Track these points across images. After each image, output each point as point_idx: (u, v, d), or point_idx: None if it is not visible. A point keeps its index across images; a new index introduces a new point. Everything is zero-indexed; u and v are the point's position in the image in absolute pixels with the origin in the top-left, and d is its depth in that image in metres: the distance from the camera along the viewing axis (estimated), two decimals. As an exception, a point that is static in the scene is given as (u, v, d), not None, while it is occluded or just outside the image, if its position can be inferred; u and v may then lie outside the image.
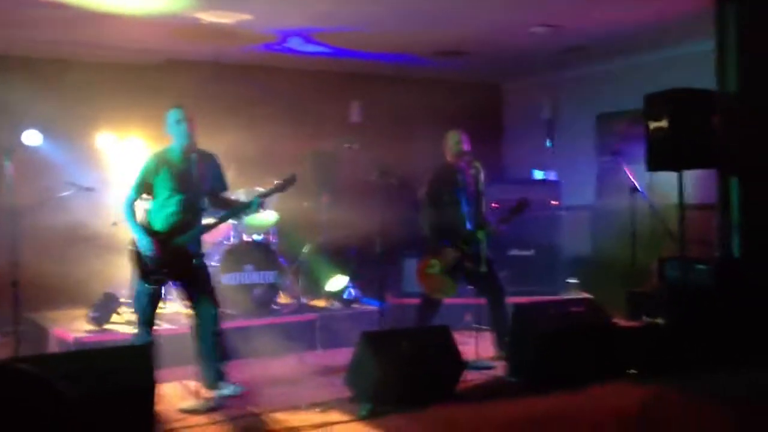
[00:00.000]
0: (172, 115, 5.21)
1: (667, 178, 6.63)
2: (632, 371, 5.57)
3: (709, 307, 5.92)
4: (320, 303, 7.52)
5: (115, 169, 7.43)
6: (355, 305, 7.38)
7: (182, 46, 7.94)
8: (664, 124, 6.30)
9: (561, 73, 9.79)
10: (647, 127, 6.47)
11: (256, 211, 5.40)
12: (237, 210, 5.43)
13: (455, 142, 6.31)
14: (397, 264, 7.84)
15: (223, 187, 5.44)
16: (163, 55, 8.40)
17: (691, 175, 6.56)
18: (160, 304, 5.37)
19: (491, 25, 7.42)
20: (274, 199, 7.52)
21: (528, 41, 8.02)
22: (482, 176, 6.30)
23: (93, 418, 3.15)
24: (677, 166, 6.35)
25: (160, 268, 5.07)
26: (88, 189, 6.54)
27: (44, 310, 7.14)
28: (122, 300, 6.66)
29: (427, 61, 8.98)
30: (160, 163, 5.18)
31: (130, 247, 5.14)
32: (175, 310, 6.84)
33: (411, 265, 7.33)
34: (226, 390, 5.16)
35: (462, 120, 6.85)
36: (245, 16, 6.86)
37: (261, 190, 7.09)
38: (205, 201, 5.31)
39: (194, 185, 5.16)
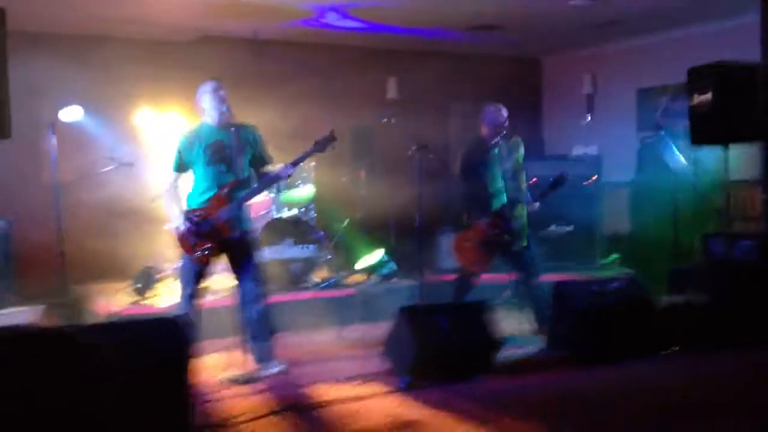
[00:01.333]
0: (203, 89, 5.19)
1: (712, 154, 6.51)
2: (675, 348, 5.50)
3: (753, 282, 5.81)
4: (358, 278, 7.54)
5: (153, 144, 7.50)
6: (392, 280, 7.38)
7: (220, 23, 7.96)
8: (707, 98, 6.18)
9: (601, 47, 9.64)
10: (690, 101, 6.35)
11: (286, 178, 5.28)
12: (267, 180, 5.28)
13: (493, 116, 6.24)
14: (435, 239, 7.81)
15: (266, 160, 5.33)
16: (200, 32, 8.43)
17: (735, 150, 6.43)
18: (207, 279, 5.36)
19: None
20: (312, 173, 7.57)
21: (567, 14, 7.90)
22: (521, 151, 6.23)
23: (131, 387, 3.18)
24: (721, 140, 6.23)
25: (201, 243, 5.10)
26: (128, 164, 6.61)
27: (87, 282, 7.26)
28: (162, 273, 6.73)
29: (463, 36, 8.89)
30: (192, 139, 5.18)
31: (169, 227, 5.17)
32: (222, 282, 6.91)
33: (448, 241, 7.31)
34: (272, 367, 5.21)
35: (500, 95, 6.79)
36: (284, -9, 6.86)
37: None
38: (251, 174, 5.28)
39: (230, 158, 5.11)
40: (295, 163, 5.22)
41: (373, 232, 8.05)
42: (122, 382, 3.04)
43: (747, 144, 6.60)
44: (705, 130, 6.26)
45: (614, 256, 8.11)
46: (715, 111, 6.15)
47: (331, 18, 7.94)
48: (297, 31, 8.43)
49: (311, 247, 7.00)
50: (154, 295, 6.55)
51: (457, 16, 8.02)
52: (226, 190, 5.13)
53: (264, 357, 5.23)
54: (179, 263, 5.31)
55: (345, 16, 7.87)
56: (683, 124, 6.56)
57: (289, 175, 5.28)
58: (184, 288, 5.22)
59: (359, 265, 7.62)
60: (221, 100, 5.13)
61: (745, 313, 5.63)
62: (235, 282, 5.27)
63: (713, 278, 5.87)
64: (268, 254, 6.73)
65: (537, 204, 6.16)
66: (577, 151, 8.64)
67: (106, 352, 3.20)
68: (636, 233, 8.57)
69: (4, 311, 6.19)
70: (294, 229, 6.99)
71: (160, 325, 4.37)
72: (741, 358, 5.34)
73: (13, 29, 4.30)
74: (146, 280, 6.54)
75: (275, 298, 6.42)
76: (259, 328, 5.23)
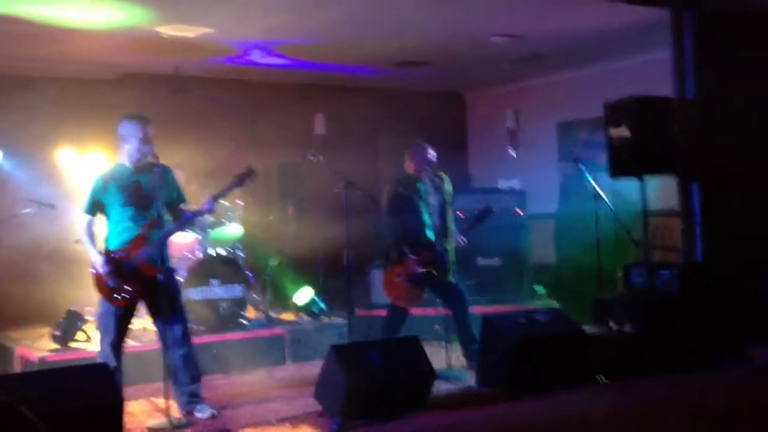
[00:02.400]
0: (122, 127, 5.09)
1: (630, 185, 6.71)
2: (602, 378, 5.60)
3: (675, 312, 5.99)
4: (288, 316, 7.47)
5: (75, 185, 7.31)
6: (323, 318, 7.34)
7: (141, 60, 7.87)
8: (624, 131, 6.39)
9: (523, 82, 9.89)
10: (608, 134, 6.55)
11: (207, 213, 5.23)
12: (189, 216, 5.22)
13: (418, 154, 6.34)
14: (365, 275, 7.82)
15: (181, 198, 5.27)
16: (121, 69, 8.31)
17: (653, 182, 6.65)
18: (128, 324, 5.23)
19: (451, 35, 7.47)
20: (240, 211, 7.49)
21: (488, 50, 8.09)
22: (448, 186, 6.33)
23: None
24: (638, 172, 6.44)
25: (120, 286, 4.98)
26: (50, 206, 6.44)
27: (7, 329, 7.01)
28: (87, 318, 6.54)
29: (388, 71, 9.01)
30: (107, 180, 5.09)
31: (90, 270, 5.06)
32: (142, 326, 6.76)
33: (378, 277, 7.32)
34: (200, 413, 5.09)
35: (427, 129, 6.89)
36: (206, 30, 6.83)
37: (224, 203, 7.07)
38: (165, 214, 5.19)
39: (148, 198, 5.02)
40: (216, 198, 5.14)
41: (303, 269, 8.01)
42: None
43: (663, 175, 6.83)
44: (622, 162, 6.47)
45: (540, 288, 8.24)
46: (631, 143, 6.36)
47: (256, 55, 7.94)
48: (221, 67, 8.39)
49: (239, 286, 6.91)
50: (80, 340, 6.35)
51: (382, 52, 8.12)
52: (145, 230, 5.02)
53: (191, 402, 5.11)
54: (99, 310, 5.16)
55: (269, 53, 7.88)
56: (602, 157, 6.75)
57: (211, 211, 5.21)
58: (104, 335, 5.06)
59: (289, 303, 7.56)
60: (145, 141, 5.05)
61: (667, 342, 5.78)
62: (158, 325, 5.15)
63: (635, 308, 6.03)
64: (194, 295, 6.63)
65: (464, 239, 6.26)
66: (502, 184, 8.80)
67: (32, 403, 3.07)
68: (561, 264, 8.76)
69: None
70: (221, 268, 6.89)
71: (88, 373, 4.27)
72: (665, 386, 5.46)
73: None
74: (70, 325, 6.34)
75: (203, 339, 6.34)
76: (184, 371, 5.11)
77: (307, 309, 7.39)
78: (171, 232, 5.17)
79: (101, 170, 5.34)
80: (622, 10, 6.66)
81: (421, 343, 5.33)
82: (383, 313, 6.57)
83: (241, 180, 5.19)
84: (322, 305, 7.43)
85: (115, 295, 4.98)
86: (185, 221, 5.29)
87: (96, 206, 5.11)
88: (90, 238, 5.10)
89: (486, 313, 6.07)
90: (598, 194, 7.06)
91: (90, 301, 6.58)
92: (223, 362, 6.30)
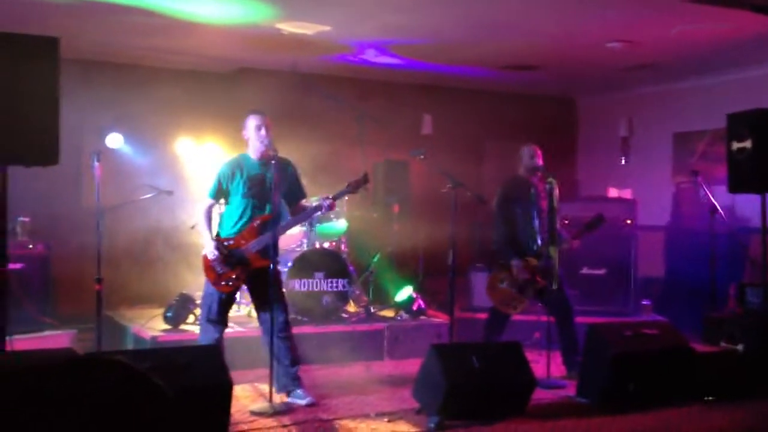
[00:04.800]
0: (250, 120, 5.30)
1: (749, 201, 6.45)
2: (709, 398, 5.41)
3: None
4: (388, 313, 7.53)
5: (192, 173, 7.60)
6: (422, 317, 7.37)
7: (258, 55, 8.09)
8: (747, 144, 6.14)
9: (638, 90, 9.64)
10: (729, 147, 6.31)
11: (326, 211, 5.36)
12: (308, 212, 5.39)
13: (529, 157, 6.27)
14: (467, 277, 7.80)
15: (301, 194, 5.46)
16: (239, 64, 8.57)
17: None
18: (231, 308, 5.42)
19: (565, 39, 7.36)
20: (345, 207, 7.61)
21: (603, 56, 7.93)
22: (557, 192, 6.23)
23: (177, 413, 3.20)
24: (760, 188, 6.17)
25: (228, 273, 5.15)
26: (168, 192, 6.71)
27: (123, 308, 7.36)
28: (197, 301, 6.78)
29: (499, 74, 8.95)
30: (234, 168, 5.28)
31: (203, 253, 5.26)
32: (245, 313, 6.97)
33: (481, 279, 7.30)
34: (299, 398, 5.22)
35: (536, 134, 6.81)
36: (324, 27, 6.96)
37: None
38: (285, 208, 5.36)
39: (268, 191, 5.18)
40: (335, 197, 5.30)
41: (404, 267, 8.06)
42: (166, 409, 3.06)
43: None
44: (743, 177, 6.21)
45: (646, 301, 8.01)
46: (754, 158, 6.11)
47: (369, 54, 8.04)
48: (336, 65, 8.54)
49: (342, 280, 7.02)
50: (190, 323, 6.59)
51: (494, 55, 8.08)
52: (258, 222, 5.20)
53: (288, 384, 5.24)
54: (204, 291, 5.36)
55: (383, 52, 7.97)
56: (720, 170, 6.51)
57: (330, 208, 5.32)
58: (206, 316, 5.26)
59: (389, 300, 7.62)
60: (265, 134, 5.22)
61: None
62: (260, 312, 5.30)
63: (750, 327, 5.79)
64: (298, 286, 6.77)
65: (576, 241, 6.14)
66: (612, 193, 8.61)
67: (150, 377, 3.21)
68: (670, 278, 8.49)
69: (41, 334, 6.29)
70: (325, 262, 7.01)
71: (201, 353, 4.43)
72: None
73: (63, 57, 4.42)
74: (181, 307, 6.59)
75: (304, 329, 6.47)
76: (286, 354, 5.25)
77: (407, 307, 7.42)
78: (288, 226, 5.35)
79: (227, 158, 5.52)
80: (744, 20, 6.40)
81: (523, 348, 5.28)
82: (484, 315, 6.54)
83: (356, 187, 5.35)
84: (423, 303, 7.45)
85: (222, 282, 5.17)
86: (304, 216, 5.48)
87: (220, 192, 5.31)
88: (208, 221, 5.30)
89: (592, 324, 5.93)
90: (715, 208, 6.84)
91: (201, 286, 6.84)
92: (323, 354, 6.40)
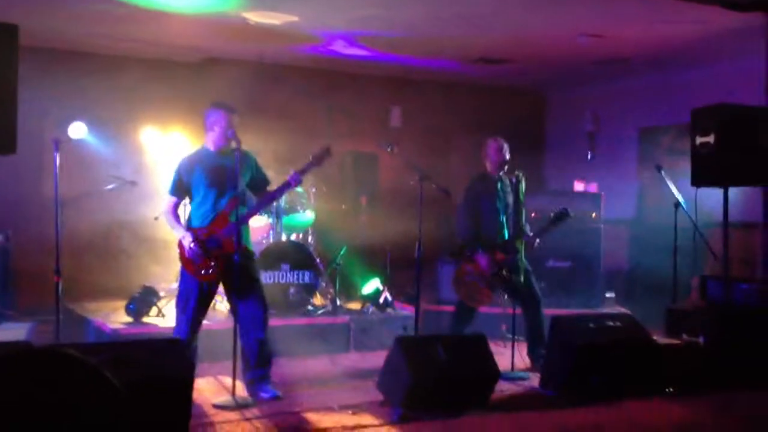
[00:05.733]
0: (209, 114, 5.24)
1: (712, 195, 6.52)
2: (670, 390, 5.47)
3: (752, 327, 5.80)
4: (355, 306, 7.52)
5: (157, 163, 7.51)
6: (389, 310, 7.36)
7: (226, 45, 8.01)
8: (710, 139, 6.21)
9: (605, 85, 9.70)
10: (693, 141, 6.38)
11: (295, 185, 5.29)
12: (277, 190, 5.32)
13: (495, 150, 6.28)
14: (434, 270, 7.81)
15: (265, 182, 5.42)
16: (206, 54, 8.48)
17: (736, 193, 6.45)
18: (207, 302, 5.33)
19: (536, 33, 7.38)
20: (312, 199, 7.57)
21: (573, 51, 7.96)
22: (524, 186, 6.26)
23: (132, 407, 3.16)
24: (723, 182, 6.25)
25: (207, 261, 5.10)
26: (132, 183, 6.63)
27: (84, 300, 7.26)
28: (161, 294, 6.72)
29: (469, 68, 8.95)
30: (193, 162, 5.23)
31: (178, 249, 5.20)
32: (213, 305, 6.89)
33: (447, 272, 7.30)
34: (263, 392, 5.18)
35: (504, 128, 6.82)
36: (292, 18, 6.90)
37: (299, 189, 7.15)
38: (249, 196, 5.31)
39: (231, 181, 5.13)
40: (300, 172, 5.23)
41: (372, 260, 8.05)
42: (118, 402, 3.01)
43: (748, 186, 6.62)
44: (706, 171, 6.28)
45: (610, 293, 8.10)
46: (716, 152, 6.18)
47: (338, 45, 7.99)
48: (303, 56, 8.48)
49: (309, 272, 6.99)
50: (153, 316, 6.52)
51: (465, 48, 8.07)
52: (227, 209, 5.15)
53: (259, 384, 5.20)
54: (181, 286, 5.28)
55: (352, 44, 7.93)
56: (684, 164, 6.57)
57: (298, 182, 5.28)
58: (183, 311, 5.19)
59: (356, 293, 7.60)
60: (230, 128, 5.16)
61: (741, 356, 5.61)
62: (235, 306, 5.23)
63: (711, 320, 5.86)
64: (264, 278, 6.72)
65: (537, 240, 6.18)
66: (578, 187, 8.67)
67: (105, 371, 3.16)
68: (634, 271, 8.58)
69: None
70: (292, 254, 6.97)
71: (163, 346, 4.38)
72: (735, 401, 5.31)
73: (23, 45, 4.33)
74: (144, 300, 6.52)
75: (270, 322, 6.41)
76: (257, 355, 5.21)
77: (374, 299, 7.41)
78: (255, 210, 5.30)
79: (186, 153, 5.48)
80: (714, 16, 6.46)
81: (489, 341, 5.29)
82: (451, 308, 6.56)
83: (320, 159, 5.26)
84: (389, 296, 7.44)
85: (202, 271, 5.11)
86: (274, 195, 5.42)
87: (180, 187, 5.25)
88: (175, 217, 5.25)
89: (555, 316, 5.97)
90: (678, 202, 6.91)
91: (166, 278, 6.78)
92: (289, 346, 6.35)
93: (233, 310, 5.26)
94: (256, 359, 5.20)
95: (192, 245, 5.08)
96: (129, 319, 6.43)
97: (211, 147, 5.27)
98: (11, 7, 6.31)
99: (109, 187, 6.76)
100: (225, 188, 5.16)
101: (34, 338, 6.00)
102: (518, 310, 6.15)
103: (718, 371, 5.53)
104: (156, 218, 6.78)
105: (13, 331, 6.14)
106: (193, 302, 5.14)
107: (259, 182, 5.37)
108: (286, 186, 5.28)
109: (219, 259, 5.11)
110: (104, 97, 7.64)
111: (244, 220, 5.15)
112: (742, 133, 6.20)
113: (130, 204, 7.35)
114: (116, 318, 6.48)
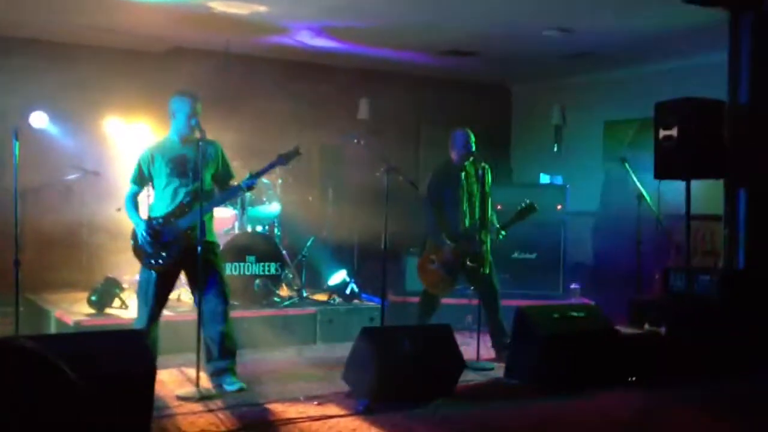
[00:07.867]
0: (173, 102, 5.18)
1: (674, 187, 6.60)
2: (632, 379, 5.54)
3: (712, 317, 5.90)
4: (321, 297, 7.50)
5: (121, 154, 7.41)
6: (355, 301, 7.36)
7: (191, 35, 7.92)
8: (673, 132, 6.28)
9: (570, 79, 9.78)
10: (656, 135, 6.45)
11: (251, 187, 5.24)
12: (234, 189, 5.27)
13: (461, 141, 6.30)
14: (401, 261, 7.82)
15: (229, 174, 5.36)
16: (171, 43, 8.38)
17: (698, 185, 6.54)
18: (167, 294, 5.29)
19: (504, 26, 7.40)
20: (279, 191, 7.53)
21: (540, 44, 8.00)
22: (489, 176, 6.29)
23: (91, 400, 3.12)
24: (685, 175, 6.33)
25: (158, 251, 5.05)
26: (94, 173, 6.53)
27: (46, 292, 7.15)
28: (124, 285, 6.64)
29: (436, 60, 8.96)
30: (154, 152, 5.19)
31: (131, 240, 5.15)
32: (177, 296, 6.84)
33: (414, 263, 7.30)
34: (227, 384, 5.14)
35: (472, 121, 6.83)
36: (258, 8, 6.84)
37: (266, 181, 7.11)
38: (212, 188, 5.26)
39: (193, 171, 5.09)
40: (257, 175, 5.21)
41: (338, 251, 8.03)
42: (81, 395, 2.98)
43: (710, 179, 6.71)
44: (669, 164, 6.36)
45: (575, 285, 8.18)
46: (679, 146, 6.25)
47: (305, 36, 7.94)
48: (269, 47, 8.41)
49: (274, 264, 6.95)
50: (116, 307, 6.44)
51: (431, 40, 8.07)
52: (188, 200, 5.11)
53: (223, 375, 5.17)
54: (139, 277, 5.24)
55: (319, 35, 7.88)
56: (648, 157, 6.64)
57: (251, 186, 5.25)
58: (143, 303, 5.15)
59: (323, 284, 7.59)
60: (194, 117, 5.10)
61: (702, 346, 5.70)
62: (197, 297, 5.17)
63: (672, 311, 5.94)
64: (229, 270, 6.68)
65: (502, 233, 6.22)
66: (543, 179, 8.73)
67: (64, 363, 3.12)
68: (598, 262, 8.67)
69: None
70: (258, 246, 6.94)
71: (124, 337, 4.33)
72: (696, 390, 5.39)
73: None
74: (107, 291, 6.44)
75: (236, 314, 6.37)
76: (219, 347, 5.17)
77: (340, 291, 7.40)
78: (213, 204, 5.25)
79: (149, 143, 5.43)
80: (679, 11, 6.52)
81: (454, 331, 5.31)
82: (417, 299, 6.58)
83: (287, 159, 5.24)
84: (355, 288, 7.44)
85: (151, 261, 5.07)
86: (226, 195, 5.37)
87: (142, 177, 5.21)
88: (133, 206, 5.21)
89: (520, 306, 6.01)
90: (642, 195, 6.99)
91: (129, 269, 6.68)
92: (254, 338, 6.34)
93: (195, 301, 5.22)
94: (219, 351, 5.17)
95: (144, 233, 5.03)
96: (92, 311, 6.35)
97: (175, 136, 5.22)
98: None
99: (71, 177, 6.66)
100: (186, 179, 5.12)
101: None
102: (481, 301, 6.18)
103: (678, 360, 5.60)
104: (118, 209, 6.66)
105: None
106: (152, 293, 5.10)
107: (222, 176, 5.31)
108: (239, 189, 5.24)
109: (175, 251, 5.06)
110: (67, 87, 7.49)
111: (204, 212, 5.09)
112: (704, 127, 6.28)
113: (93, 195, 7.24)
114: (79, 309, 6.40)
